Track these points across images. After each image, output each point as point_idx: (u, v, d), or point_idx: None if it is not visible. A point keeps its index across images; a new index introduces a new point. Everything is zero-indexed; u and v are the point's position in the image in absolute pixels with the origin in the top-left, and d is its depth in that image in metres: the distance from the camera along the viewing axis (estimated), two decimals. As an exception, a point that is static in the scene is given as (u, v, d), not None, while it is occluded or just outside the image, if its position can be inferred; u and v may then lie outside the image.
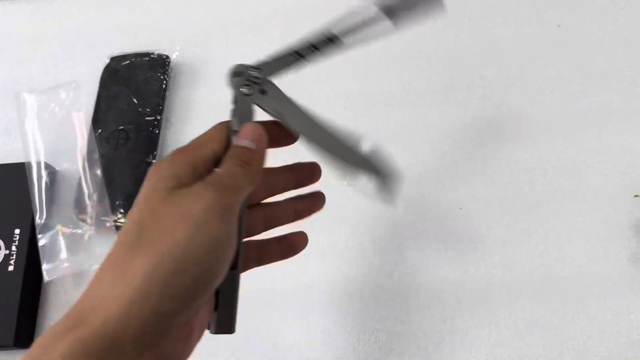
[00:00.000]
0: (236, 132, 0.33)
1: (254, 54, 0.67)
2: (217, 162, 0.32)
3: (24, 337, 0.54)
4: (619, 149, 0.58)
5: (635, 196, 0.55)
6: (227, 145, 0.33)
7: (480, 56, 0.65)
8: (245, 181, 0.31)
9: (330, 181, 0.59)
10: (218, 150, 0.33)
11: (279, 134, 0.35)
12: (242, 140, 0.33)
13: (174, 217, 0.28)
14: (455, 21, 0.67)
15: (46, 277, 0.55)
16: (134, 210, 0.30)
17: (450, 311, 0.53)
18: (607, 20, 0.65)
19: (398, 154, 0.59)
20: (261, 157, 0.33)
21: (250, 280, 0.36)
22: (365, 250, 0.56)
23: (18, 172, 0.59)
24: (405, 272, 0.55)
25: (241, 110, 0.34)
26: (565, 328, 0.51)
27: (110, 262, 0.28)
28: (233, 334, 0.34)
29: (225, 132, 0.33)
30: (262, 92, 0.35)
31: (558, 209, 0.56)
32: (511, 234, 0.55)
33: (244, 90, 0.34)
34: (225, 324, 0.33)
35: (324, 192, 0.42)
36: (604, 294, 0.52)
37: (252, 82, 0.35)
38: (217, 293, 0.33)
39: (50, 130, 0.61)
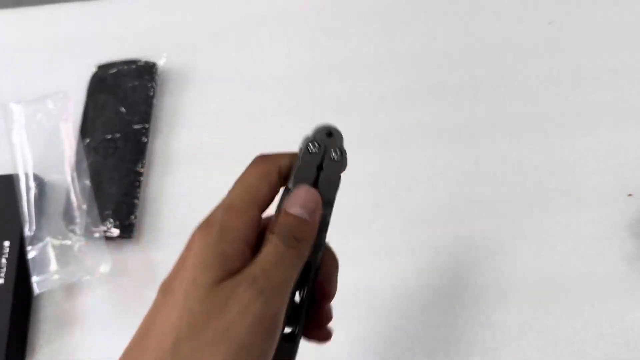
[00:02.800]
0: (289, 191, 0.29)
1: (241, 60, 0.67)
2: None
3: (15, 350, 0.54)
4: (613, 148, 0.57)
5: (629, 195, 0.55)
6: (276, 193, 0.29)
7: (471, 55, 0.64)
8: (292, 269, 0.27)
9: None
10: (268, 202, 0.29)
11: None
12: (295, 206, 0.28)
13: (216, 333, 0.25)
14: (446, 20, 0.66)
15: (36, 290, 0.55)
16: (170, 307, 0.26)
17: (443, 315, 0.52)
18: (599, 18, 0.64)
19: (389, 156, 0.60)
20: (313, 231, 0.29)
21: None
22: (356, 256, 0.55)
23: (6, 184, 0.58)
24: (398, 277, 0.54)
25: (302, 169, 0.29)
26: (560, 330, 0.51)
27: None
28: None
29: (274, 176, 0.29)
30: (320, 166, 0.30)
31: (552, 209, 0.55)
32: (505, 236, 0.55)
33: (311, 147, 0.29)
34: None
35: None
36: (599, 295, 0.52)
37: (325, 148, 0.30)
38: None
39: (38, 140, 0.61)
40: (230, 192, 0.29)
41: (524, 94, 0.61)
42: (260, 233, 0.29)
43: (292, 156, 0.30)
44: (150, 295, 0.56)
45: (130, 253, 0.58)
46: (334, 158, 0.29)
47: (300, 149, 0.30)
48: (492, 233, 0.55)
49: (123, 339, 0.55)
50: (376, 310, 0.53)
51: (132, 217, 0.58)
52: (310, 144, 0.29)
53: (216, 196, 0.59)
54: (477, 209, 0.56)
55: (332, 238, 0.56)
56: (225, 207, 0.28)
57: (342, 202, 0.57)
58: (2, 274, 0.55)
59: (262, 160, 0.30)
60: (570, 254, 0.54)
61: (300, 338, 0.28)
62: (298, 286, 0.29)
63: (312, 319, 0.32)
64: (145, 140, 0.61)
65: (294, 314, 0.30)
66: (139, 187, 0.59)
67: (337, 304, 0.53)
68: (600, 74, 0.61)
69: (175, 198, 0.60)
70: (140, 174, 0.60)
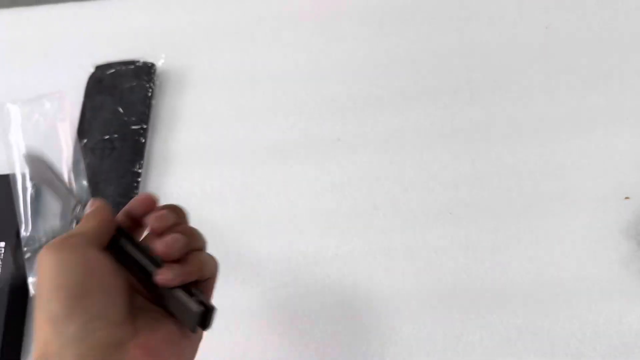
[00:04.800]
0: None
1: (239, 61, 0.67)
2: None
3: (11, 352, 0.53)
4: (608, 151, 0.58)
5: (626, 198, 0.55)
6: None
7: (466, 59, 0.64)
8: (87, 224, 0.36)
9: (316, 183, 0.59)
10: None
11: None
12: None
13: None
14: (442, 24, 0.67)
15: (32, 291, 0.54)
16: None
17: (441, 317, 0.52)
18: (594, 22, 0.65)
19: (387, 159, 0.60)
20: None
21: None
22: (354, 257, 0.56)
23: (2, 184, 0.58)
24: (395, 279, 0.54)
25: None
26: (557, 333, 0.51)
27: None
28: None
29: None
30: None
31: (547, 212, 0.56)
32: (501, 239, 0.55)
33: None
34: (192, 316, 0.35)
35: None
36: (595, 298, 0.52)
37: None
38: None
39: (34, 141, 0.60)
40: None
41: (520, 98, 0.61)
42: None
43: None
44: (147, 296, 0.56)
45: (127, 254, 0.58)
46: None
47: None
48: (489, 235, 0.55)
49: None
50: (374, 312, 0.53)
51: (130, 218, 0.57)
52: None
53: (213, 195, 0.59)
54: (473, 211, 0.56)
55: (331, 239, 0.56)
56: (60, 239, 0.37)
57: (340, 204, 0.58)
58: (-2, 275, 0.55)
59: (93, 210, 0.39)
60: (566, 256, 0.54)
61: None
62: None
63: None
64: (143, 140, 0.61)
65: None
66: (136, 187, 0.59)
67: (334, 305, 0.54)
68: (595, 78, 0.62)
69: (173, 198, 0.60)
70: (138, 175, 0.59)
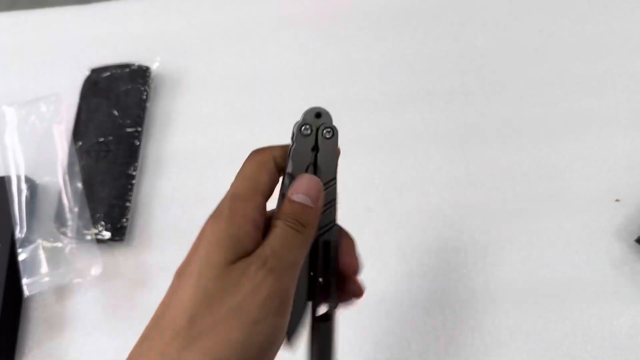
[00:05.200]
0: (290, 175, 0.30)
1: (234, 64, 0.67)
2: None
3: (5, 352, 0.54)
4: (600, 153, 0.58)
5: (617, 201, 0.56)
6: (275, 181, 0.30)
7: (461, 63, 0.65)
8: (300, 251, 0.29)
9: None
10: (270, 190, 0.30)
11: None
12: (298, 194, 0.29)
13: (229, 310, 0.26)
14: (436, 28, 0.67)
15: (26, 292, 0.54)
16: (186, 287, 0.27)
17: (434, 319, 0.53)
18: (587, 26, 0.65)
19: (381, 161, 0.60)
20: (316, 217, 0.30)
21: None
22: (348, 259, 0.56)
23: (-2, 186, 0.58)
24: (389, 280, 0.55)
25: (298, 151, 0.30)
26: (549, 334, 0.51)
27: (156, 347, 0.26)
28: None
29: (271, 165, 0.30)
30: (315, 147, 0.31)
31: (541, 214, 0.56)
32: (494, 240, 0.55)
33: (305, 130, 0.31)
34: None
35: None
36: (587, 299, 0.52)
37: (317, 127, 0.31)
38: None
39: (30, 143, 0.61)
40: (233, 184, 0.30)
41: (514, 101, 0.62)
42: (267, 219, 0.30)
43: (285, 147, 0.31)
44: (141, 297, 0.56)
45: (122, 256, 0.58)
46: (326, 136, 0.31)
47: (293, 134, 0.31)
48: (482, 237, 0.56)
49: (113, 341, 0.55)
50: (367, 313, 0.53)
51: (124, 219, 0.58)
52: (302, 127, 0.30)
53: (208, 199, 0.59)
54: (467, 213, 0.57)
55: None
56: (231, 196, 0.29)
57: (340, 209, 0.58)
58: (-7, 276, 0.55)
59: (257, 152, 0.31)
60: (558, 258, 0.54)
61: (334, 315, 0.29)
62: (313, 266, 0.30)
63: (344, 293, 0.34)
64: (138, 143, 0.61)
65: (320, 292, 0.31)
66: (131, 190, 0.59)
67: (328, 307, 0.54)
68: (588, 81, 0.62)
69: (167, 201, 0.60)
70: (133, 177, 0.60)
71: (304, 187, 0.30)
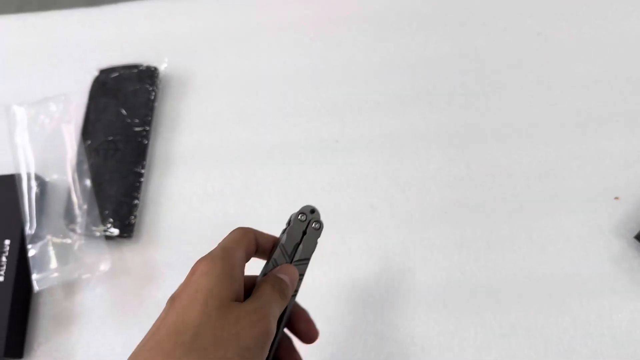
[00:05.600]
0: (283, 246, 0.38)
1: (240, 66, 0.68)
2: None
3: (14, 347, 0.54)
4: (598, 153, 0.59)
5: (616, 198, 0.57)
6: (253, 249, 0.37)
7: (461, 65, 0.66)
8: (279, 308, 0.35)
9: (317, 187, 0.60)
10: (249, 253, 0.37)
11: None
12: (283, 274, 0.37)
13: (229, 335, 0.31)
14: (437, 30, 0.68)
15: (36, 287, 0.55)
16: (187, 310, 0.32)
17: (436, 314, 0.54)
18: (585, 29, 0.67)
19: (384, 160, 0.61)
20: (290, 293, 0.37)
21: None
22: (352, 255, 0.57)
23: (8, 184, 0.59)
24: (392, 277, 0.56)
25: (292, 231, 0.38)
26: (549, 329, 0.52)
27: (157, 354, 0.30)
28: None
29: (251, 235, 0.37)
30: (304, 232, 0.39)
31: (540, 212, 0.57)
32: (495, 238, 0.56)
33: (301, 217, 0.39)
34: None
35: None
36: (586, 295, 0.53)
37: (309, 219, 0.39)
38: None
39: (40, 141, 0.62)
40: (221, 242, 0.36)
41: (513, 102, 0.63)
42: (249, 278, 0.37)
43: (261, 232, 0.39)
44: (148, 293, 0.57)
45: (130, 252, 0.59)
46: (315, 227, 0.39)
47: (291, 219, 0.39)
48: (483, 234, 0.57)
49: (121, 337, 0.56)
50: (371, 308, 0.54)
51: (132, 217, 0.59)
52: (300, 214, 0.38)
53: (214, 196, 0.61)
54: (468, 211, 0.58)
55: (330, 238, 0.57)
56: (222, 247, 0.35)
57: (338, 204, 0.59)
58: (3, 272, 0.55)
59: (241, 227, 0.38)
60: (558, 254, 0.55)
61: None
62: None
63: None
64: (146, 142, 0.62)
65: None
66: (139, 187, 0.60)
67: (333, 302, 0.55)
68: (585, 82, 0.63)
69: (175, 199, 0.61)
70: (141, 175, 0.61)
71: (289, 272, 0.37)
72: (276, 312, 0.35)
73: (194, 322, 0.31)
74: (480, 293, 0.54)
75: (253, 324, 0.32)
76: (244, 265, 0.36)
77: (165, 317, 0.32)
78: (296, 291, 0.39)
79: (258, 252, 0.38)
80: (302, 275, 0.39)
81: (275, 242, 0.39)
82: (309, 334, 0.40)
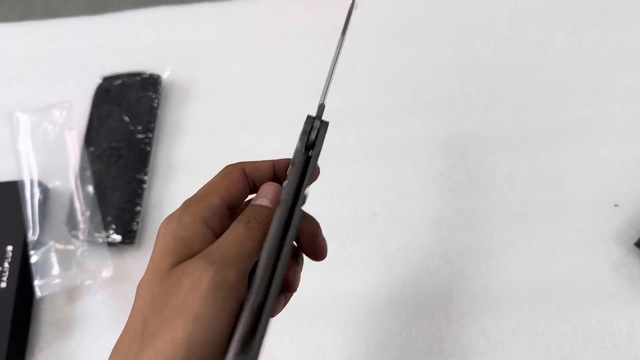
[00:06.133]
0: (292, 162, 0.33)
1: (242, 74, 0.69)
2: (234, 207, 0.32)
3: (16, 353, 0.54)
4: (598, 160, 0.60)
5: (616, 206, 0.57)
6: (240, 188, 0.32)
7: (462, 73, 0.67)
8: (249, 243, 0.29)
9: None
10: (230, 194, 0.31)
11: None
12: (261, 198, 0.32)
13: (173, 309, 0.26)
14: (437, 40, 0.69)
15: (38, 293, 0.55)
16: (138, 296, 0.28)
17: (438, 321, 0.54)
18: (583, 39, 0.68)
19: (386, 167, 0.62)
20: (270, 214, 0.31)
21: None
22: (353, 262, 0.57)
23: (11, 190, 0.59)
24: (394, 284, 0.56)
25: (297, 150, 0.33)
26: (550, 335, 0.53)
27: (121, 354, 0.27)
28: None
29: (234, 174, 0.32)
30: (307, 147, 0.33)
31: (541, 219, 0.58)
32: (496, 244, 0.57)
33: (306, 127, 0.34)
34: None
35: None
36: (587, 301, 0.54)
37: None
38: None
39: (43, 148, 0.62)
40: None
41: (513, 110, 0.64)
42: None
43: (257, 161, 0.34)
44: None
45: (132, 259, 0.59)
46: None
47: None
48: (484, 241, 0.57)
49: (123, 342, 0.55)
50: (373, 315, 0.54)
51: (134, 223, 0.59)
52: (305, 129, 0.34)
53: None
54: (469, 218, 0.58)
55: (332, 244, 0.57)
56: (185, 201, 0.31)
57: (340, 211, 0.59)
58: (5, 278, 0.56)
59: (226, 166, 0.33)
60: (559, 261, 0.56)
61: (268, 307, 0.28)
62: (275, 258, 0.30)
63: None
64: (149, 149, 0.63)
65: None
66: (141, 194, 0.60)
67: (334, 309, 0.55)
68: (584, 91, 0.64)
69: (177, 205, 0.61)
70: (143, 182, 0.61)
71: (263, 191, 0.32)
72: (239, 249, 0.28)
73: (141, 308, 0.28)
74: (481, 299, 0.55)
75: (197, 282, 0.26)
76: (218, 209, 0.30)
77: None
78: (297, 197, 0.31)
79: (256, 186, 0.33)
80: (304, 176, 0.32)
81: (278, 166, 0.34)
82: (315, 251, 0.33)
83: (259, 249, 0.29)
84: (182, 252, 0.28)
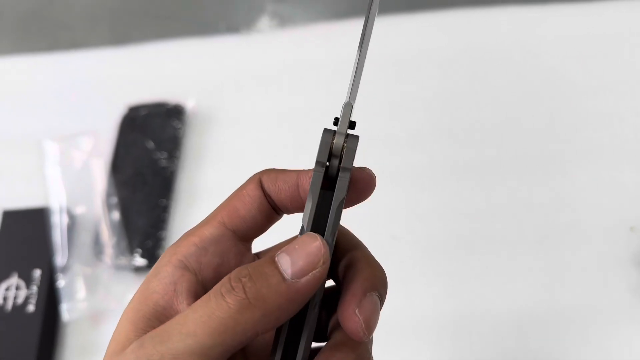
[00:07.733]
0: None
1: (264, 104, 0.71)
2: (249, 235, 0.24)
3: (42, 377, 0.55)
4: (612, 185, 0.61)
5: (631, 229, 0.58)
6: (257, 208, 0.25)
7: (478, 99, 0.68)
8: (221, 329, 0.20)
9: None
10: (239, 217, 0.24)
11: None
12: (284, 259, 0.22)
13: None
14: (453, 70, 0.71)
15: (66, 317, 0.56)
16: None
17: (460, 343, 0.54)
18: (595, 67, 0.69)
19: (405, 192, 0.63)
20: (294, 302, 0.22)
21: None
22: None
23: (39, 216, 0.61)
24: (414, 305, 0.57)
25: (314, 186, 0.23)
26: (570, 358, 0.53)
27: None
28: None
29: (250, 187, 0.25)
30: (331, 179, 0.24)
31: (559, 243, 0.58)
32: (514, 268, 0.58)
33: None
34: None
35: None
36: (606, 324, 0.54)
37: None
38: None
39: (70, 175, 0.64)
40: None
41: (529, 136, 0.65)
42: (240, 254, 0.24)
43: (277, 171, 0.26)
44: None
45: (157, 283, 0.60)
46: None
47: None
48: (503, 265, 0.58)
49: (149, 366, 0.56)
50: (393, 337, 0.55)
51: (159, 248, 0.60)
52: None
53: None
54: (488, 242, 0.59)
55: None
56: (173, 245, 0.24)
57: (360, 235, 0.60)
58: (34, 301, 0.57)
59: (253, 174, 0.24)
60: (577, 284, 0.56)
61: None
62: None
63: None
64: (173, 176, 0.64)
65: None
66: (165, 220, 0.62)
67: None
68: (598, 117, 0.65)
69: (200, 231, 0.62)
70: (167, 208, 0.63)
71: (295, 249, 0.22)
72: (198, 344, 0.20)
73: None
74: (502, 323, 0.55)
75: None
76: (220, 246, 0.24)
77: None
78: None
79: (277, 205, 0.23)
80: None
81: (304, 178, 0.24)
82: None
83: (240, 338, 0.20)
84: (148, 319, 0.22)
